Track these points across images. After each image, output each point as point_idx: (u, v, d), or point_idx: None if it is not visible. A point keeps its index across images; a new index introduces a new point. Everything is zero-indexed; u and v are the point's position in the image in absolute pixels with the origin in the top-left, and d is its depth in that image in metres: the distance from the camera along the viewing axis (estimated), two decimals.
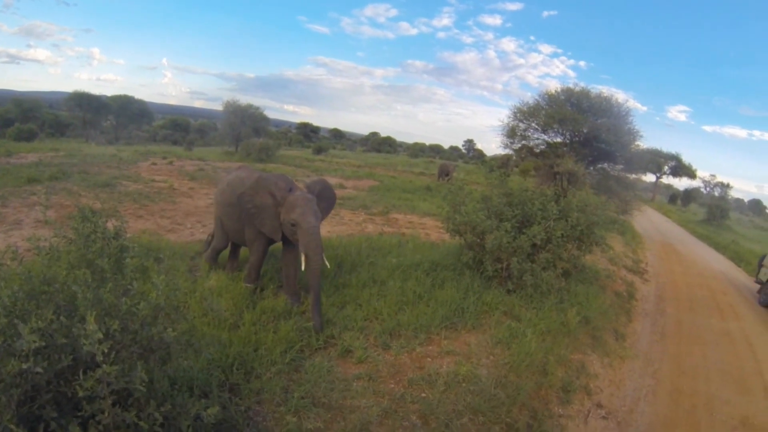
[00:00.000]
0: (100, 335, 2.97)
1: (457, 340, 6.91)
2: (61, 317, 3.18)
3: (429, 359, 6.27)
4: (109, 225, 4.36)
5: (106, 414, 3.07)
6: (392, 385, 5.54)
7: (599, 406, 6.68)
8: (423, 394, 5.42)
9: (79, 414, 3.12)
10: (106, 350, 2.98)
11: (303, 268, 6.90)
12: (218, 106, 40.06)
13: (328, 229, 11.99)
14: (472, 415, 5.28)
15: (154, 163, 22.85)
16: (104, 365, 2.97)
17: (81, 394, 2.98)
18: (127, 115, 47.77)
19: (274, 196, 7.26)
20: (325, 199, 7.96)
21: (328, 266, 7.62)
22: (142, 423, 3.17)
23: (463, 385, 5.72)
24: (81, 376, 3.00)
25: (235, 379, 5.00)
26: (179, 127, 56.60)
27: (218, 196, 8.35)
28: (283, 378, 5.19)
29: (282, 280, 7.76)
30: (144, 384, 3.18)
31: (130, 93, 56.51)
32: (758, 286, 15.21)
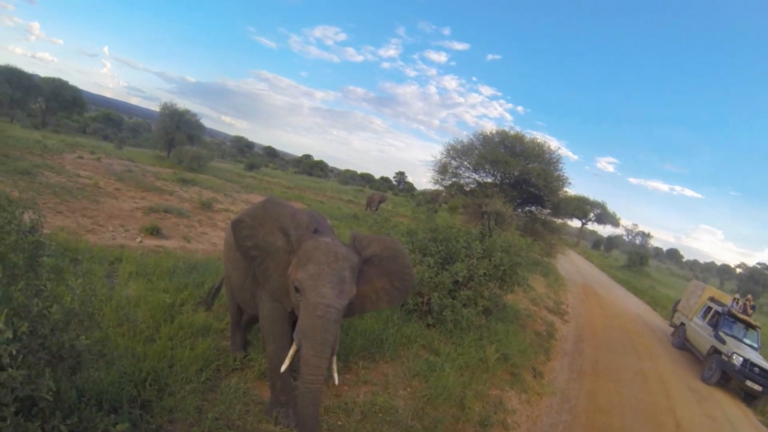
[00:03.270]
0: (9, 335, 2.77)
1: (375, 370, 6.92)
2: None
3: (346, 387, 6.22)
4: (26, 217, 4.07)
5: (9, 422, 2.82)
6: None
7: None
8: (339, 422, 5.38)
9: None
10: (14, 352, 2.78)
11: (283, 367, 4.33)
12: (155, 107, 38.79)
13: None
14: None
15: (81, 157, 21.66)
16: (10, 369, 2.76)
17: None
18: (58, 101, 43.78)
19: (287, 234, 4.59)
20: (388, 274, 4.91)
21: (336, 381, 4.43)
22: None
23: (380, 415, 5.72)
24: None
25: (147, 396, 4.73)
26: (112, 123, 54.39)
27: (228, 235, 5.43)
28: (198, 397, 4.98)
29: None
30: (51, 393, 2.96)
31: (64, 77, 52.91)
32: (672, 329, 16.71)
